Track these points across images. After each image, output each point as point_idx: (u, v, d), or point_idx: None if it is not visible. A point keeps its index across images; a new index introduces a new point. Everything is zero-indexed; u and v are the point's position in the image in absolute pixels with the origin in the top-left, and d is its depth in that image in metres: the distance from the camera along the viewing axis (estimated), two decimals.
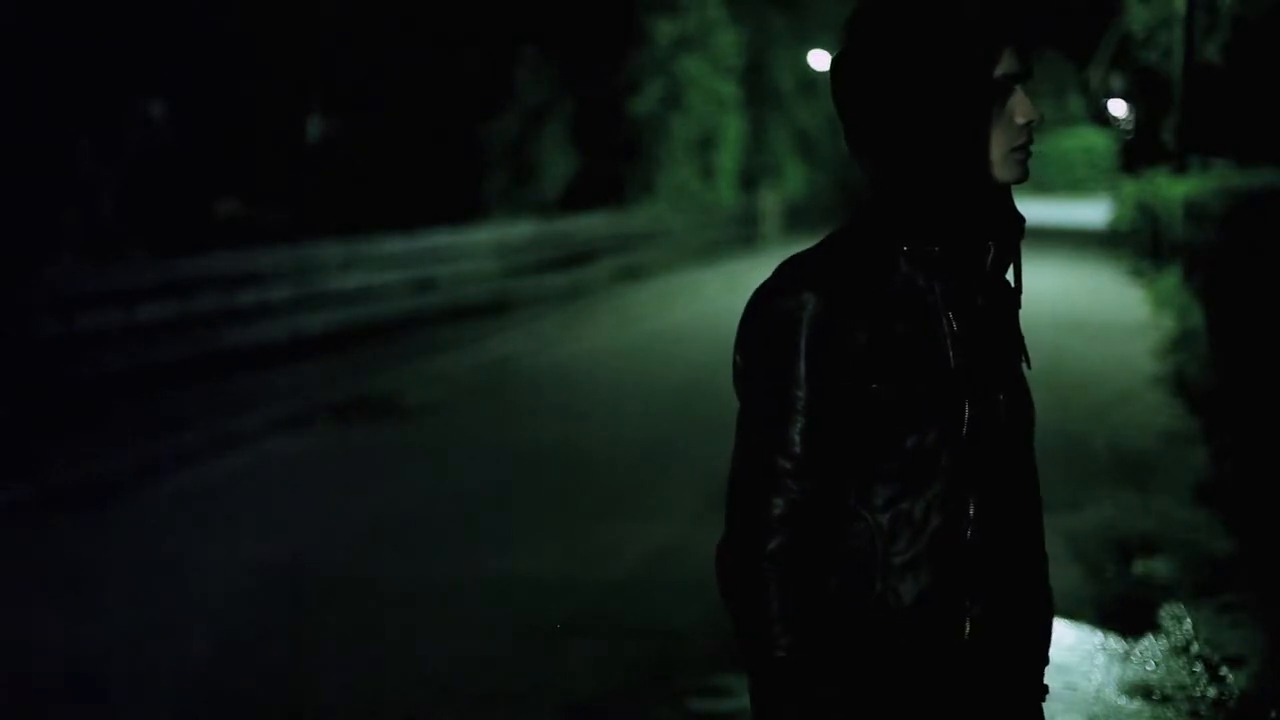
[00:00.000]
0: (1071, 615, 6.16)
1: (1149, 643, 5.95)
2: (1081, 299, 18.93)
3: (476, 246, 18.98)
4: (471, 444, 10.43)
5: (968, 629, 2.11)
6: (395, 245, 16.77)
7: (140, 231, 16.79)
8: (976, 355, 2.13)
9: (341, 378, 12.86)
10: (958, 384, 2.11)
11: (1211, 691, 5.44)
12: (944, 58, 2.07)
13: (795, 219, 32.18)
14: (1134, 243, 24.74)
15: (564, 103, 25.17)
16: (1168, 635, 6.03)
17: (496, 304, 18.18)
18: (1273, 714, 5.27)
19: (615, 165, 26.56)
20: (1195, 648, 5.86)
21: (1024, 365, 2.25)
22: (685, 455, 9.67)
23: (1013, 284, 2.24)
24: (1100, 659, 5.78)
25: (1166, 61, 22.81)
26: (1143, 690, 5.47)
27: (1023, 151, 2.12)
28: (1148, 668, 5.69)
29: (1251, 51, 18.28)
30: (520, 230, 20.70)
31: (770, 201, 31.70)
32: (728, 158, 29.23)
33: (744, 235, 29.63)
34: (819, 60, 32.12)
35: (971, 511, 2.11)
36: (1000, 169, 2.12)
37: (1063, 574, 6.51)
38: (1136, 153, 35.01)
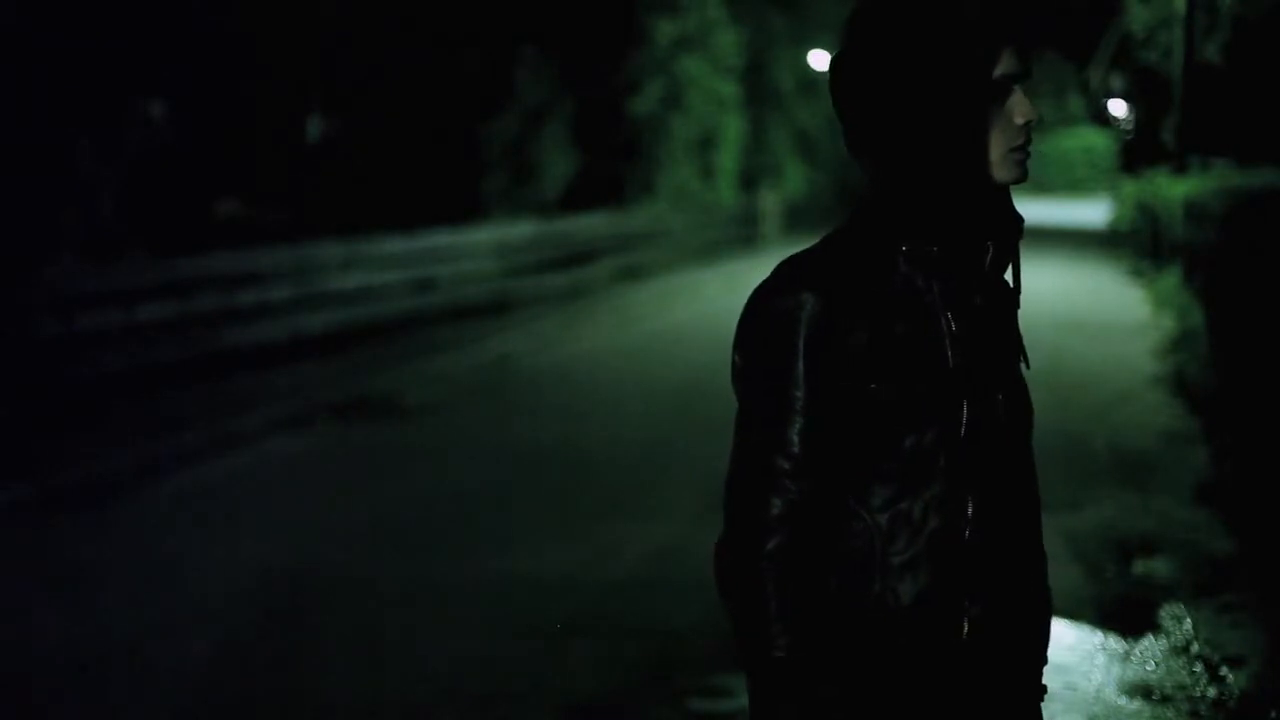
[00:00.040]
0: (1071, 615, 6.16)
1: (1149, 643, 5.95)
2: (1081, 299, 18.92)
3: (476, 246, 18.98)
4: (471, 444, 10.43)
5: (966, 629, 2.11)
6: (395, 245, 16.77)
7: (140, 231, 16.80)
8: (975, 355, 2.13)
9: (341, 378, 12.86)
10: (956, 384, 2.11)
11: (1211, 691, 5.44)
12: (943, 58, 2.07)
13: (795, 219, 32.18)
14: (1134, 243, 24.75)
15: (564, 103, 25.17)
16: (1168, 635, 6.03)
17: (496, 304, 18.17)
18: (1273, 714, 5.27)
19: (615, 165, 26.56)
20: (1195, 648, 5.85)
21: (1023, 365, 2.25)
22: (685, 455, 9.67)
23: (1012, 284, 2.24)
24: (1100, 659, 5.78)
25: (1166, 61, 22.82)
26: (1143, 690, 5.47)
27: (1022, 152, 2.12)
28: (1148, 668, 5.69)
29: (1251, 51, 18.29)
30: (520, 230, 20.70)
31: (770, 201, 31.70)
32: (728, 158, 29.23)
33: (744, 235, 29.63)
34: (819, 60, 32.12)
35: (970, 511, 2.11)
36: (999, 169, 2.12)
37: (1063, 574, 6.52)
38: (1136, 153, 35.05)
